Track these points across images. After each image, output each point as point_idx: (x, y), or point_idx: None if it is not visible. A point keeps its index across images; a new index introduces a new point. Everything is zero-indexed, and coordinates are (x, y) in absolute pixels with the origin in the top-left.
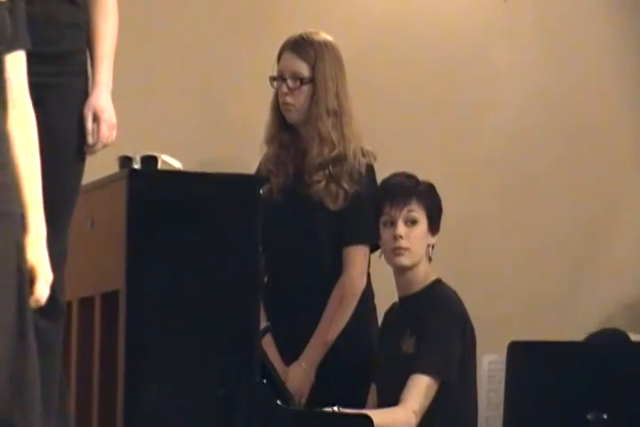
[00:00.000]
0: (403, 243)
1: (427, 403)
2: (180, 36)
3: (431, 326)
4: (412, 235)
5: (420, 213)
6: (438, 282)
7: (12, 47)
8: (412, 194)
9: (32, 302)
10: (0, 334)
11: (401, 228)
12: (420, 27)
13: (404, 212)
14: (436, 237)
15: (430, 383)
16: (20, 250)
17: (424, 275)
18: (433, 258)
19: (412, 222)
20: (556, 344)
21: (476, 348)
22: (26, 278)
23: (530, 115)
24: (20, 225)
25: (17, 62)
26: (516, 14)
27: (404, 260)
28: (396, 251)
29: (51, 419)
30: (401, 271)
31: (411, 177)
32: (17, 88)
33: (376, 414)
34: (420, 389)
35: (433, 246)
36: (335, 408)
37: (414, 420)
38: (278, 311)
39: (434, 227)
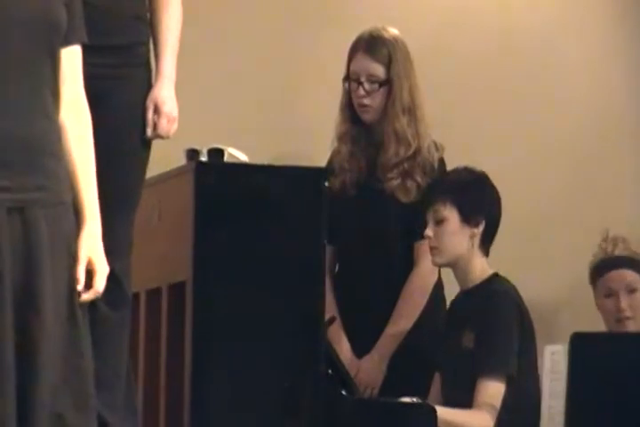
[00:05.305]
0: (431, 242)
1: (499, 405)
2: (249, 31)
3: (489, 324)
4: (439, 233)
5: (447, 210)
6: (495, 277)
7: (67, 41)
8: (437, 194)
9: (91, 295)
10: (55, 323)
11: (429, 228)
12: (483, 20)
13: (431, 213)
14: (480, 226)
15: (498, 386)
16: (72, 239)
17: (479, 270)
18: (495, 251)
19: (440, 222)
20: (620, 336)
21: (535, 341)
22: (76, 267)
23: (593, 111)
24: (73, 215)
25: (72, 56)
26: (583, 8)
27: (436, 259)
28: (430, 251)
29: (116, 411)
30: (451, 268)
31: (444, 176)
32: (71, 81)
33: (453, 414)
34: (490, 394)
35: (485, 237)
36: (415, 399)
37: (489, 424)
38: (349, 303)
39: (469, 218)
